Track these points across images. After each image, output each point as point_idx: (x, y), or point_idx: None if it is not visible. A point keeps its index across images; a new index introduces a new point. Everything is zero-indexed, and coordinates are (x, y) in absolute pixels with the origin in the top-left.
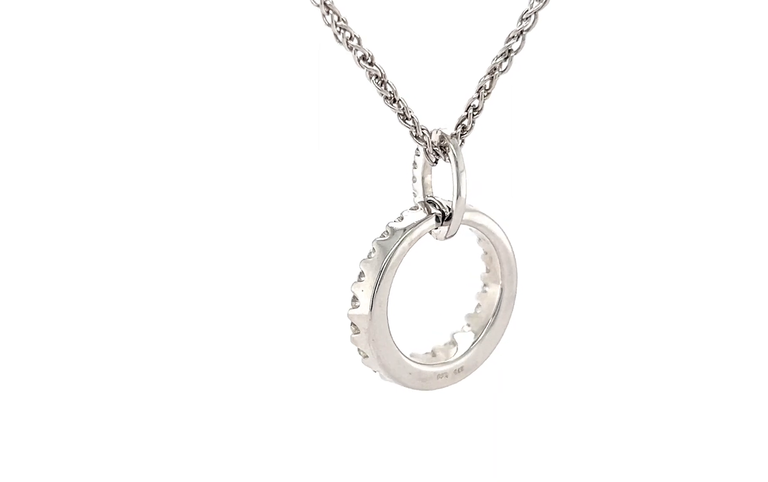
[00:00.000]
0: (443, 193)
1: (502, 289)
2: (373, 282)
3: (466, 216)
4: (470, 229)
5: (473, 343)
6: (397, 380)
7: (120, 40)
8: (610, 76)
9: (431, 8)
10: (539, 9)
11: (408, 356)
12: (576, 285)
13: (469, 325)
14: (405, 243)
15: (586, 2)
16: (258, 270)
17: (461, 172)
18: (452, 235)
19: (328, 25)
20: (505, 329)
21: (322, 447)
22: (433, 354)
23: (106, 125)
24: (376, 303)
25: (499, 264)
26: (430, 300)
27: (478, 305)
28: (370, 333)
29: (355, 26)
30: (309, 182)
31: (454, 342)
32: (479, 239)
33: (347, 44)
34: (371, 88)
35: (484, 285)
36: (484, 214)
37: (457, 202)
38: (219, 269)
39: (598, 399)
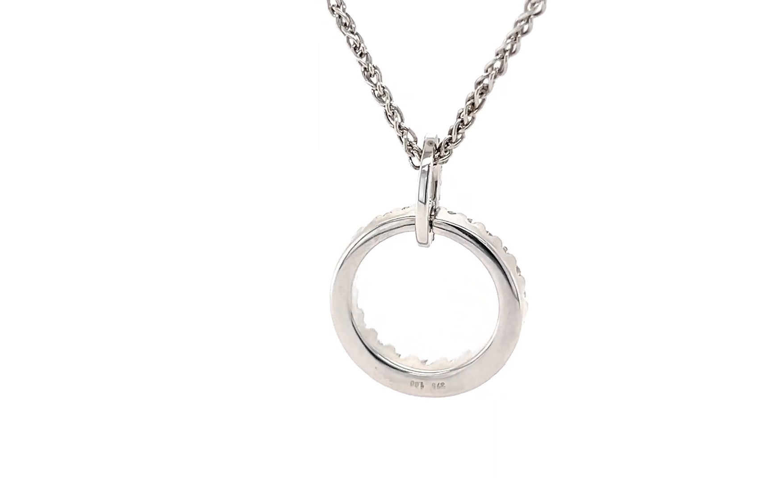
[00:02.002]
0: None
1: (499, 322)
2: (336, 267)
3: (446, 230)
4: None
5: (461, 366)
6: (363, 369)
7: (120, 40)
8: (602, 86)
9: (446, 13)
10: (521, 33)
11: (381, 351)
12: (574, 299)
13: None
14: (371, 235)
15: (573, 20)
16: (258, 267)
17: (426, 178)
18: (423, 243)
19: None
20: (501, 365)
21: (313, 444)
22: (423, 362)
23: (107, 124)
24: (336, 285)
25: (496, 294)
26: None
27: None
28: (333, 315)
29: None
30: (314, 180)
31: (455, 358)
32: None
33: (343, 31)
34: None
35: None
36: (467, 233)
37: (418, 208)
38: (220, 265)
39: (597, 411)
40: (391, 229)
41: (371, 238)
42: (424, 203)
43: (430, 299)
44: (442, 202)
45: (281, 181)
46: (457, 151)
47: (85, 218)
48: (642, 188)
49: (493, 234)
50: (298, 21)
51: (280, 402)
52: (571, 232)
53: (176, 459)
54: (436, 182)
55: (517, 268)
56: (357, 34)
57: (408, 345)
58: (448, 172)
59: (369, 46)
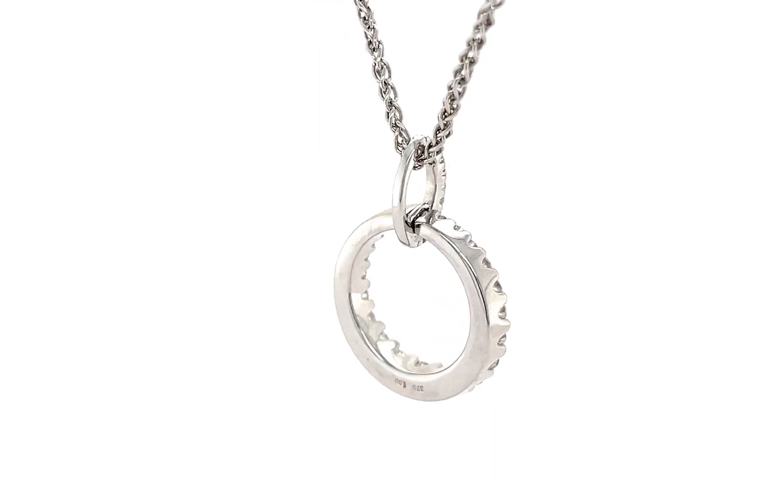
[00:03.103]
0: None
1: (469, 335)
2: (338, 254)
3: (428, 235)
4: None
5: (437, 373)
6: (357, 358)
7: (121, 40)
8: (603, 87)
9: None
10: (478, 43)
11: (380, 344)
12: (571, 315)
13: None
14: (364, 228)
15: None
16: (260, 265)
17: (402, 178)
18: (405, 243)
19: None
20: (472, 379)
21: (311, 442)
22: (418, 363)
23: (108, 124)
24: (338, 272)
25: (468, 306)
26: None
27: None
28: (335, 301)
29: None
30: (317, 174)
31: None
32: None
33: (361, 25)
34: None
35: None
36: (445, 240)
37: (393, 208)
38: (222, 264)
39: (587, 422)
40: (379, 226)
41: (365, 232)
42: (399, 203)
43: (416, 301)
44: (446, 206)
45: (283, 178)
46: (468, 157)
47: (87, 218)
48: (649, 199)
49: (478, 245)
50: (299, 21)
51: (280, 394)
52: (578, 249)
53: (172, 442)
54: (435, 186)
55: (497, 283)
56: (373, 28)
57: (411, 344)
58: (462, 177)
59: (382, 44)
